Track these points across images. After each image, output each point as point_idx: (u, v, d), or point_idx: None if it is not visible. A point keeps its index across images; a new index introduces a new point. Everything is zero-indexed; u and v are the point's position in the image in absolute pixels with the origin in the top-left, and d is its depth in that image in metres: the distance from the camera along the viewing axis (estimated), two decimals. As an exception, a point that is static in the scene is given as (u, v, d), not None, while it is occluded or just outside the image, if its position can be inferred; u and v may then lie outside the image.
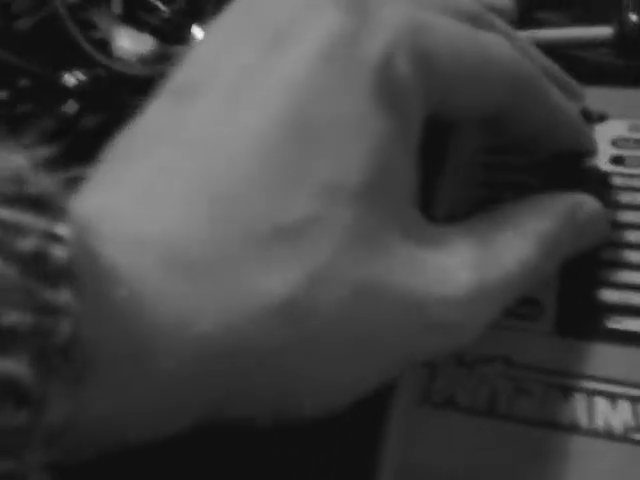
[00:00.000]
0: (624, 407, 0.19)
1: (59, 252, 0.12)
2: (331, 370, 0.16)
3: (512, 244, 0.18)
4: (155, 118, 0.17)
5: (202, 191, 0.15)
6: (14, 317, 0.11)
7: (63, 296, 0.12)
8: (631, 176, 0.22)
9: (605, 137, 0.23)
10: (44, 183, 0.13)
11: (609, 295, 0.20)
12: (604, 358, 0.19)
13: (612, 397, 0.19)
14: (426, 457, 0.19)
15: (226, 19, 0.19)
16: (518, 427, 0.19)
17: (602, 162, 0.23)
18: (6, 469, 0.11)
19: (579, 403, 0.19)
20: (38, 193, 0.13)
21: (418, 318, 0.17)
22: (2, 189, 0.12)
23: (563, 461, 0.18)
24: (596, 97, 0.24)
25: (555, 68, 0.22)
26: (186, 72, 0.18)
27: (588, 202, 0.20)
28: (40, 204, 0.13)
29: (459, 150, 0.23)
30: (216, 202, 0.15)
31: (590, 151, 0.22)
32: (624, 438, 0.18)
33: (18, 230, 0.12)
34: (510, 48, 0.19)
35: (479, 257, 0.18)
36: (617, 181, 0.22)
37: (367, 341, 0.16)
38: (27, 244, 0.12)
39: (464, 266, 0.17)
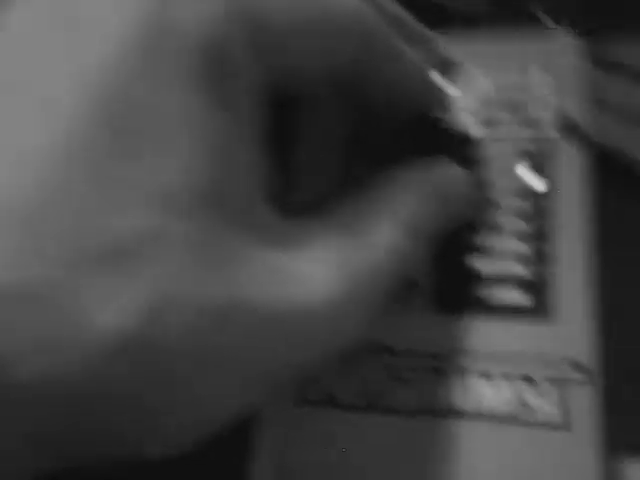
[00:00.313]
0: (502, 386, 0.18)
1: None
2: (191, 404, 0.14)
3: (379, 233, 0.17)
4: None
5: (3, 205, 0.13)
6: None
7: None
8: (495, 129, 0.21)
9: (466, 91, 0.22)
10: None
11: (485, 266, 0.19)
12: (483, 334, 0.18)
13: (489, 375, 0.18)
14: (306, 458, 0.18)
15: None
16: (398, 419, 0.18)
17: (464, 119, 0.21)
18: None
19: (456, 385, 0.18)
20: None
21: (282, 333, 0.15)
22: None
23: (445, 448, 0.17)
24: (454, 46, 0.22)
25: (405, 16, 0.21)
26: None
27: (452, 171, 0.19)
28: None
29: (315, 126, 0.21)
30: (24, 219, 0.13)
31: (447, 109, 0.20)
32: (503, 419, 0.17)
33: None
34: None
35: (344, 254, 0.16)
36: (480, 139, 0.21)
37: (228, 367, 0.14)
38: None
39: (328, 267, 0.15)
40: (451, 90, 0.21)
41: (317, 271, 0.15)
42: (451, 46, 0.22)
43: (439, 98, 0.20)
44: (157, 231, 0.13)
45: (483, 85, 0.21)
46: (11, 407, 0.12)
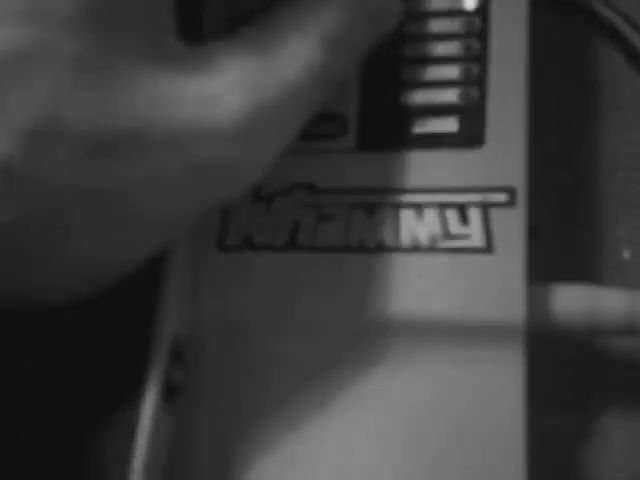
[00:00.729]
0: (431, 216, 0.17)
1: None
2: (85, 246, 0.13)
3: (292, 48, 0.15)
4: None
5: None
6: None
7: None
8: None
9: None
10: None
11: (413, 97, 0.18)
12: (411, 167, 0.17)
13: (419, 207, 0.17)
14: (223, 306, 0.17)
15: None
16: (321, 257, 0.17)
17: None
18: None
19: (385, 220, 0.17)
20: None
21: (184, 162, 0.13)
22: None
23: (373, 285, 0.17)
24: None
25: None
26: None
27: None
28: None
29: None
30: None
31: None
32: (430, 248, 0.17)
33: None
34: None
35: (252, 73, 0.14)
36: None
37: (123, 203, 0.13)
38: None
39: (233, 88, 0.14)
40: None
41: (220, 96, 0.14)
42: None
43: None
44: (32, 47, 0.12)
45: None
46: None
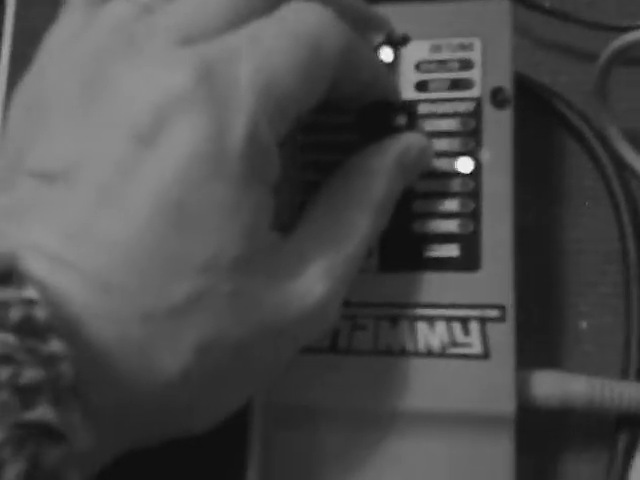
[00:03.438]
0: (441, 327, 0.22)
1: (39, 313, 0.15)
2: (221, 402, 0.19)
3: (353, 226, 0.21)
4: (24, 197, 0.18)
5: (91, 281, 0.17)
6: (30, 373, 0.14)
7: (55, 346, 0.15)
8: (435, 101, 0.23)
9: (409, 62, 0.24)
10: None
11: (424, 226, 0.23)
12: (423, 286, 0.22)
13: (430, 320, 0.22)
14: (283, 396, 0.22)
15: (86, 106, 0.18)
16: (357, 359, 0.22)
17: (407, 89, 0.24)
18: None
19: (405, 330, 0.22)
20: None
21: (288, 339, 0.20)
22: None
23: (397, 382, 0.22)
24: (398, 16, 0.24)
25: (357, 6, 0.23)
26: (52, 154, 0.18)
27: (415, 141, 0.22)
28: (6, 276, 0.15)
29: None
30: (109, 290, 0.17)
31: (394, 98, 0.23)
32: (441, 354, 0.22)
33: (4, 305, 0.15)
34: (327, 25, 0.20)
35: (328, 258, 0.20)
36: (422, 109, 0.23)
37: (248, 375, 0.20)
38: (15, 314, 0.15)
39: (318, 278, 0.20)
40: (390, 58, 0.24)
41: (310, 286, 0.19)
42: (397, 17, 0.24)
43: (391, 93, 0.23)
44: (204, 292, 0.18)
45: (426, 59, 0.24)
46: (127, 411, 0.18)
